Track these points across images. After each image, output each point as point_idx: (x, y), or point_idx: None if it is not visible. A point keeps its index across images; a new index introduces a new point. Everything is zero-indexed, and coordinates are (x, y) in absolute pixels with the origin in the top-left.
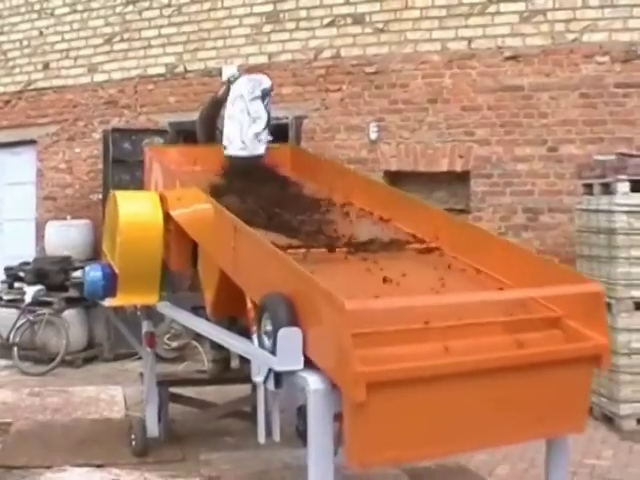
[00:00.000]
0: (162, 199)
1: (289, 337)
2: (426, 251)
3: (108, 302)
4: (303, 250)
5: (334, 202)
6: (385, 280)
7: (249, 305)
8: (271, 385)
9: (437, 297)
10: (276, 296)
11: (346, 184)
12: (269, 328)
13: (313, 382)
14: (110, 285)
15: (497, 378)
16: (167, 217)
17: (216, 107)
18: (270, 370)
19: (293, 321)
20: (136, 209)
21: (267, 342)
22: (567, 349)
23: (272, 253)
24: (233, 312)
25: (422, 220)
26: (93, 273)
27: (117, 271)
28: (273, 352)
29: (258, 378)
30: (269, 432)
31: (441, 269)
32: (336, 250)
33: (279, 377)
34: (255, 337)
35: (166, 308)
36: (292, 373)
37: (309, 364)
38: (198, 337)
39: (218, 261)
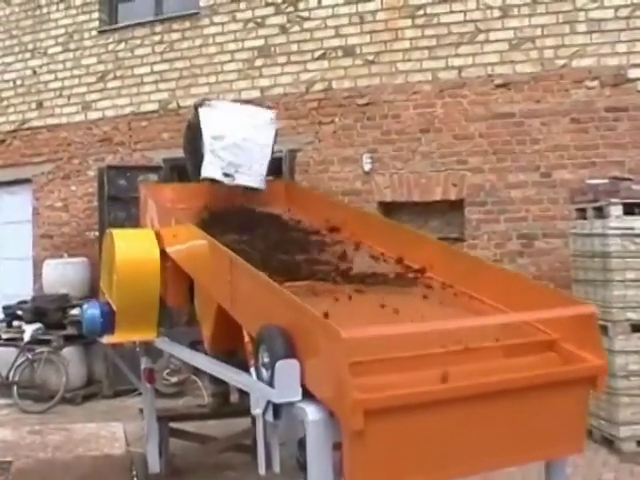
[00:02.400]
0: (158, 236)
1: (287, 369)
2: (420, 280)
3: (106, 339)
4: (299, 283)
5: (328, 235)
6: (382, 307)
7: (246, 339)
8: (270, 417)
9: (433, 323)
10: (272, 328)
11: (340, 217)
12: (266, 360)
13: (311, 412)
14: (108, 322)
15: (495, 402)
16: (163, 254)
17: (191, 131)
18: (269, 402)
19: (290, 353)
20: (133, 247)
21: (265, 374)
22: (563, 371)
23: (267, 285)
24: (231, 346)
25: (416, 250)
26: (91, 311)
27: (115, 308)
28: (271, 384)
29: (257, 410)
30: (269, 464)
31: (435, 297)
32: (330, 282)
33: (278, 409)
34: (253, 370)
35: (164, 344)
36: (291, 404)
37: (307, 395)
38: (197, 372)
39: (215, 296)
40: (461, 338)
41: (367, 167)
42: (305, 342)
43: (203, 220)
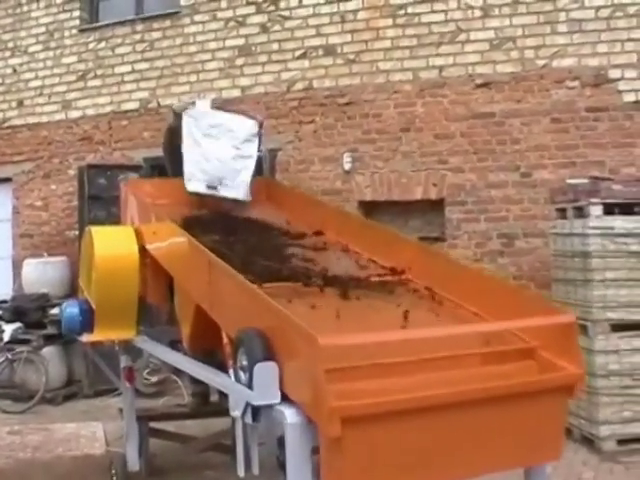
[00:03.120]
0: (138, 233)
1: (265, 372)
2: (399, 283)
3: (85, 338)
4: (277, 285)
5: (308, 236)
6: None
7: (225, 340)
8: (249, 419)
9: (411, 331)
10: (251, 331)
11: (319, 216)
12: (245, 363)
13: (290, 415)
14: (87, 321)
15: (473, 410)
16: (143, 251)
17: (171, 134)
18: (247, 404)
19: (269, 356)
20: (111, 244)
21: (243, 376)
22: (541, 380)
23: (246, 288)
24: (210, 346)
25: (395, 251)
26: (70, 309)
27: (94, 306)
28: (250, 386)
29: (235, 412)
30: (248, 465)
31: (413, 301)
32: (310, 285)
33: (256, 411)
34: (231, 371)
35: (144, 342)
36: (269, 407)
37: (286, 398)
38: (177, 371)
39: (193, 296)
40: (440, 345)
41: (347, 166)
42: (283, 346)
43: (184, 219)
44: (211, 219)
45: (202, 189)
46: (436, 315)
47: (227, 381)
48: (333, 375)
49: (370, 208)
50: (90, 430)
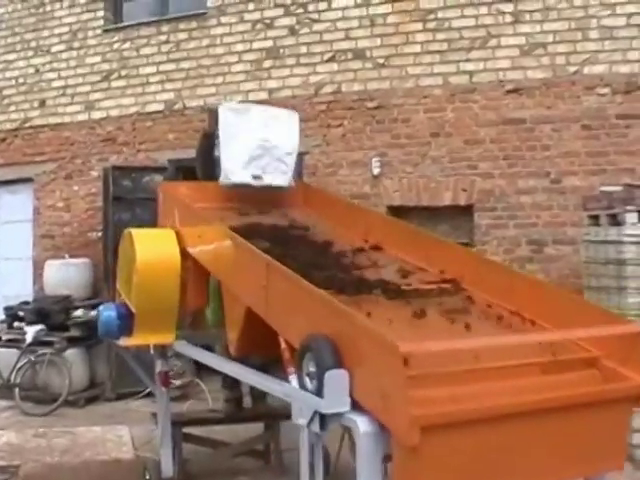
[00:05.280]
0: (179, 236)
1: (336, 379)
2: (454, 291)
3: (123, 342)
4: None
5: (353, 244)
6: (417, 317)
7: (283, 345)
8: (316, 427)
9: (489, 339)
10: (320, 337)
11: (363, 223)
12: (313, 369)
13: (362, 424)
14: (125, 324)
15: (539, 418)
16: (183, 254)
17: (207, 139)
18: (315, 412)
19: (339, 363)
20: (153, 248)
21: (309, 384)
22: (607, 389)
23: (312, 293)
24: (258, 351)
25: (446, 259)
26: (107, 312)
27: (134, 310)
28: (318, 394)
29: (301, 420)
30: (282, 471)
31: (468, 309)
32: (364, 294)
33: (324, 419)
34: (294, 378)
35: (184, 347)
36: (339, 415)
37: (354, 405)
38: (201, 375)
39: (245, 300)
40: (502, 354)
41: (376, 171)
42: (354, 353)
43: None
44: (257, 227)
45: (247, 179)
46: (496, 323)
47: (292, 389)
48: (410, 382)
49: (398, 213)
50: (116, 434)
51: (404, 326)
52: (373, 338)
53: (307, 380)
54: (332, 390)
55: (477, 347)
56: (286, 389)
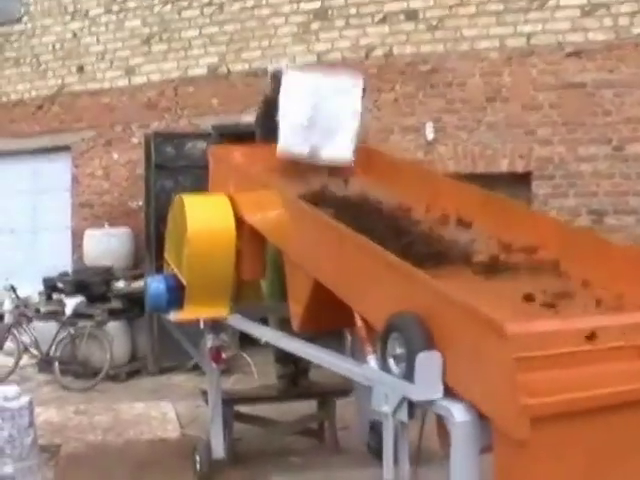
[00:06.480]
0: (233, 202)
1: (429, 362)
2: (543, 264)
3: (174, 316)
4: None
5: (427, 212)
6: (527, 298)
7: (359, 323)
8: (404, 415)
9: (604, 317)
10: (408, 315)
11: (434, 190)
12: (400, 351)
13: (458, 413)
14: (175, 298)
15: None
16: (239, 222)
17: (268, 105)
18: (404, 399)
19: (430, 344)
20: (206, 216)
21: (394, 367)
22: None
23: (399, 267)
24: (325, 326)
25: (528, 228)
26: (156, 285)
27: (185, 283)
28: (408, 378)
29: (385, 408)
30: (337, 451)
31: (559, 283)
32: (452, 267)
33: (412, 406)
34: (372, 359)
35: (239, 321)
36: (430, 402)
37: (447, 391)
38: (246, 349)
39: (312, 272)
40: (608, 334)
41: (430, 137)
42: (446, 333)
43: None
44: (321, 194)
45: (305, 152)
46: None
47: (374, 371)
48: (518, 366)
49: None
50: (160, 411)
51: (499, 303)
52: (474, 316)
53: (392, 363)
54: (424, 375)
55: (592, 327)
56: (368, 372)
